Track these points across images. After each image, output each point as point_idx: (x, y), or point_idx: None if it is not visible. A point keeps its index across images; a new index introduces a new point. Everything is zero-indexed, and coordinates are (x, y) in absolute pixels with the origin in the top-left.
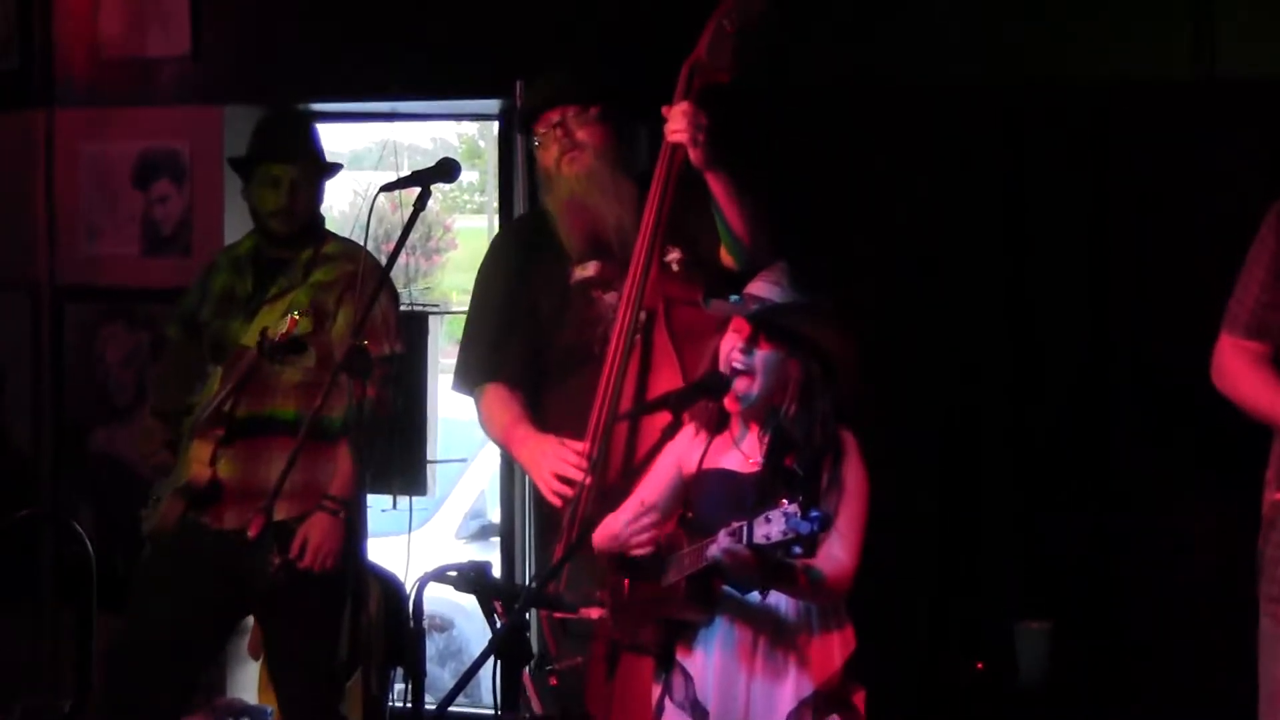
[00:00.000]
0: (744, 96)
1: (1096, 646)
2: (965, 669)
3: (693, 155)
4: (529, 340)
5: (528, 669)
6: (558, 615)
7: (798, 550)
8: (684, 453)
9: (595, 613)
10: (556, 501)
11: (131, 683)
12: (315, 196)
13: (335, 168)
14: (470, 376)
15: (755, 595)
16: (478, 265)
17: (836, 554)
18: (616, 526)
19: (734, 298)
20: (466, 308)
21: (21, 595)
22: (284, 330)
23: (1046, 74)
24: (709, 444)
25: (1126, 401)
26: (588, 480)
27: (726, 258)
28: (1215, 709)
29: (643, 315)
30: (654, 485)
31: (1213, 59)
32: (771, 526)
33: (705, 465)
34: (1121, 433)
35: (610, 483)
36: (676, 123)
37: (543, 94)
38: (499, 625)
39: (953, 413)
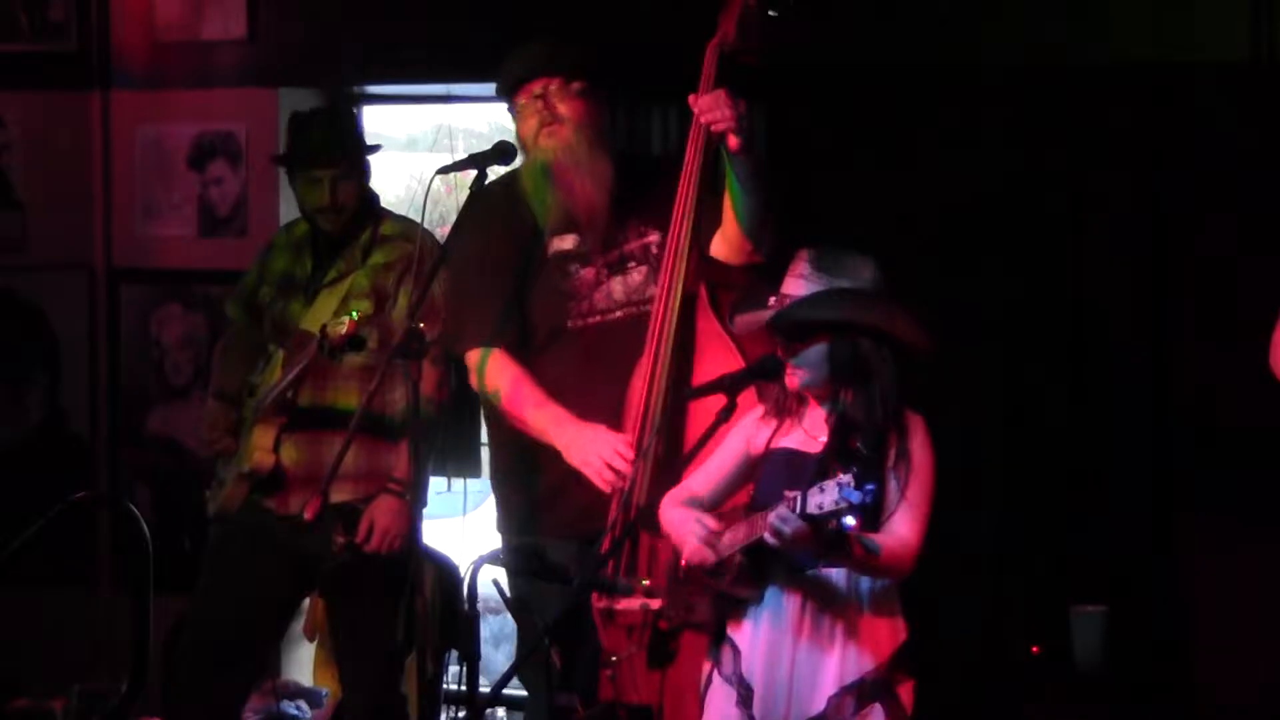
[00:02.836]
0: (776, 79)
1: (1152, 630)
2: (1020, 652)
3: (732, 142)
4: (516, 306)
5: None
6: (602, 605)
7: (850, 521)
8: (753, 434)
9: (621, 604)
10: (608, 489)
11: (199, 663)
12: (359, 185)
13: (373, 149)
14: (468, 339)
15: (811, 571)
16: None
17: (901, 529)
18: (676, 511)
19: (771, 299)
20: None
21: (79, 578)
22: (343, 331)
23: (1102, 56)
24: (779, 425)
25: (1185, 386)
26: (639, 466)
27: (720, 249)
28: (1268, 694)
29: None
30: (720, 465)
31: (1271, 40)
32: (825, 496)
33: (772, 445)
34: (1179, 420)
35: (659, 466)
36: (717, 111)
37: (526, 64)
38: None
39: (1011, 397)
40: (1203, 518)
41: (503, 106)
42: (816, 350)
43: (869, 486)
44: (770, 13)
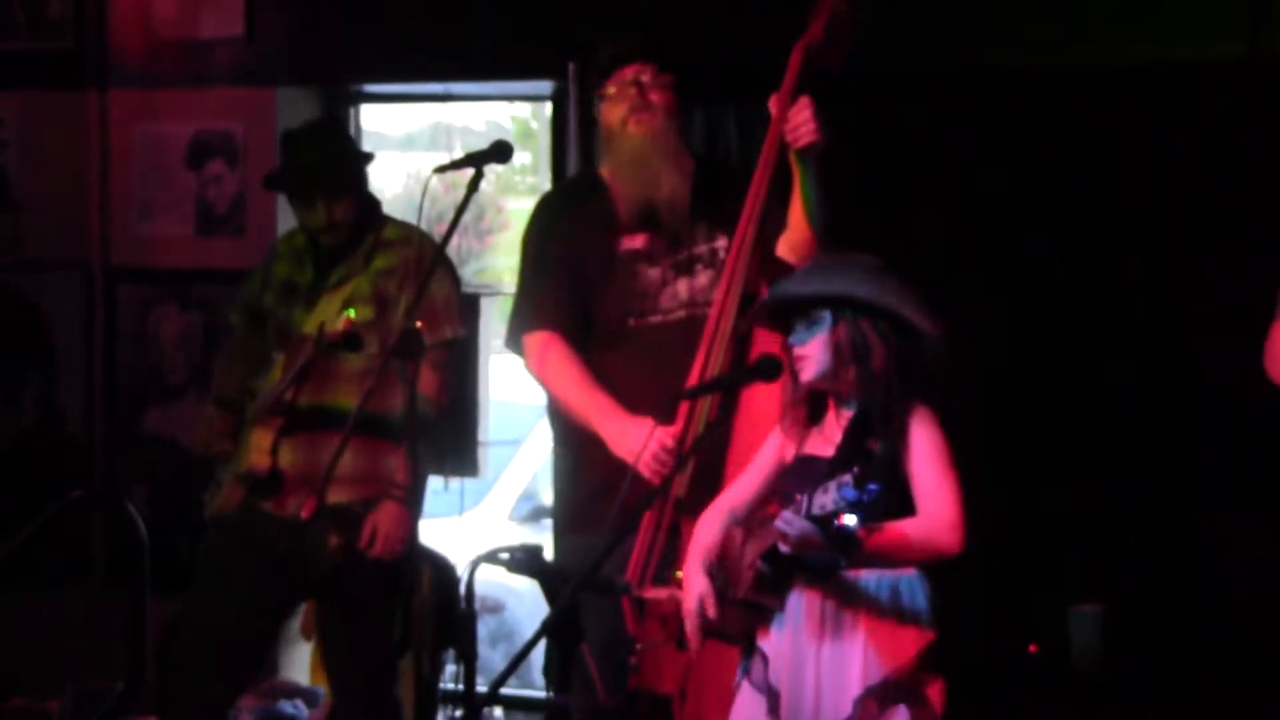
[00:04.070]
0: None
1: (1149, 629)
2: (1018, 652)
3: (814, 150)
4: (579, 299)
5: (587, 649)
6: (633, 594)
7: (851, 520)
8: (784, 443)
9: (652, 593)
10: (655, 479)
11: (194, 664)
12: (355, 199)
13: (368, 159)
14: (524, 323)
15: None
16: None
17: (929, 506)
18: (696, 567)
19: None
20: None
21: (74, 577)
22: (339, 329)
23: (1101, 55)
24: (805, 433)
25: (1182, 386)
26: (682, 460)
27: (784, 251)
28: (1267, 691)
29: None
30: (754, 477)
31: (1270, 38)
32: (826, 497)
33: (799, 453)
34: (1176, 419)
35: (698, 464)
36: (805, 124)
37: (621, 50)
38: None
39: (1007, 396)
40: (1200, 517)
41: (499, 106)
42: (814, 330)
43: (871, 486)
44: (844, 8)
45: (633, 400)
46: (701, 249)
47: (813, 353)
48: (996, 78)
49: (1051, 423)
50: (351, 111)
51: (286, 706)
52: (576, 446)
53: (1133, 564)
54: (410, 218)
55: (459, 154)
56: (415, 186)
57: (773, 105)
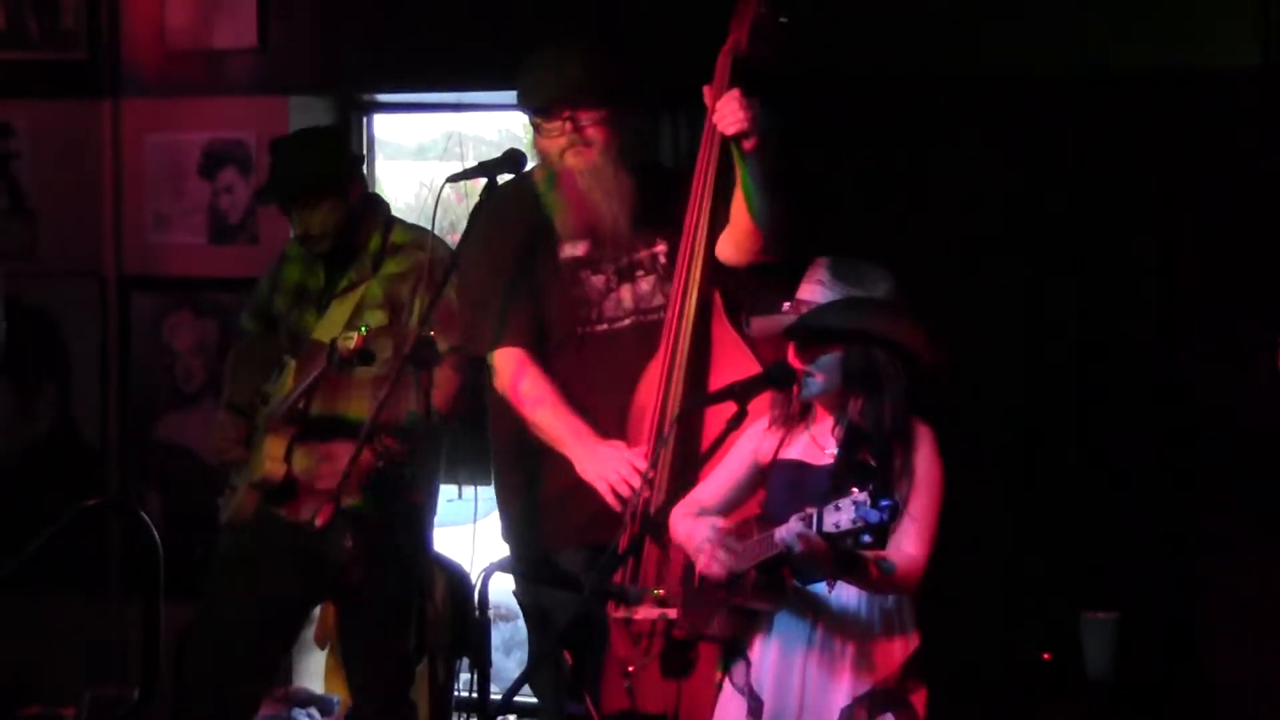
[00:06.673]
0: (787, 85)
1: (1162, 638)
2: (1032, 659)
3: (746, 144)
4: (537, 311)
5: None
6: (620, 614)
7: (867, 539)
8: (760, 442)
9: (622, 614)
10: (616, 505)
11: (210, 671)
12: (335, 209)
13: (355, 163)
14: (490, 339)
15: (821, 586)
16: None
17: (906, 545)
18: (686, 523)
19: (785, 305)
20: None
21: (89, 584)
22: (352, 346)
23: (1110, 63)
24: (785, 435)
25: (1195, 394)
26: (651, 477)
27: (726, 251)
28: (1278, 700)
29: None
30: (728, 474)
31: (1279, 47)
32: (841, 515)
33: (780, 456)
34: (1189, 426)
35: (672, 475)
36: (732, 114)
37: (560, 87)
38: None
39: (1021, 404)
40: (1215, 524)
41: (512, 115)
42: (830, 358)
43: (885, 503)
44: (781, 19)
45: (581, 408)
46: (642, 254)
47: (822, 376)
48: (1008, 85)
49: (1064, 430)
50: (364, 121)
51: (300, 715)
52: (526, 456)
53: (1146, 572)
54: (423, 225)
55: (472, 163)
56: (428, 195)
57: (707, 95)
